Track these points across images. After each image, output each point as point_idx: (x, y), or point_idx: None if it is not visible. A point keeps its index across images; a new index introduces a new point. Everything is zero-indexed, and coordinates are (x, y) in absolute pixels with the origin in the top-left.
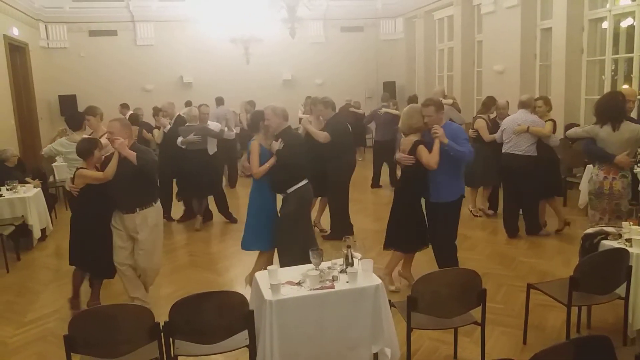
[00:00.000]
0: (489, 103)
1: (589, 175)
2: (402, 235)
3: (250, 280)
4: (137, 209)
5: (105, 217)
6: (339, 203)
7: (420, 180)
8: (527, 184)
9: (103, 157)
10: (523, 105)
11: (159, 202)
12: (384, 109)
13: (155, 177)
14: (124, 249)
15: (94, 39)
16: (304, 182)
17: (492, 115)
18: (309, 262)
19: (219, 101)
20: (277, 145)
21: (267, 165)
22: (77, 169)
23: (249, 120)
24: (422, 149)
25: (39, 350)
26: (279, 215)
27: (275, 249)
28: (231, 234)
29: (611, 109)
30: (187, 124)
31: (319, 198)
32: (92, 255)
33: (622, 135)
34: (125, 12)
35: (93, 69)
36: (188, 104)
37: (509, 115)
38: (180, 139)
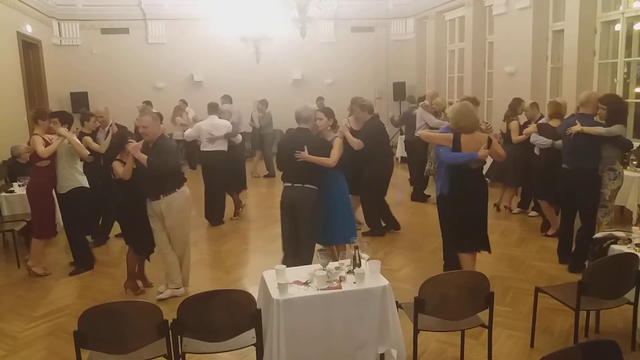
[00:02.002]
0: (516, 105)
1: (612, 174)
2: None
3: None
4: (161, 196)
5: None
6: (373, 203)
7: None
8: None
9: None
10: None
11: (183, 188)
12: (416, 111)
13: (179, 168)
14: (160, 233)
15: (106, 36)
16: (287, 184)
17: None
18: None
19: (227, 99)
20: None
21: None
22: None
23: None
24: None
25: (49, 345)
26: None
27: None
28: (240, 232)
29: (625, 110)
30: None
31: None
32: (138, 232)
33: (624, 129)
34: (137, 10)
35: (105, 66)
36: (181, 101)
37: (541, 115)
38: (239, 137)
